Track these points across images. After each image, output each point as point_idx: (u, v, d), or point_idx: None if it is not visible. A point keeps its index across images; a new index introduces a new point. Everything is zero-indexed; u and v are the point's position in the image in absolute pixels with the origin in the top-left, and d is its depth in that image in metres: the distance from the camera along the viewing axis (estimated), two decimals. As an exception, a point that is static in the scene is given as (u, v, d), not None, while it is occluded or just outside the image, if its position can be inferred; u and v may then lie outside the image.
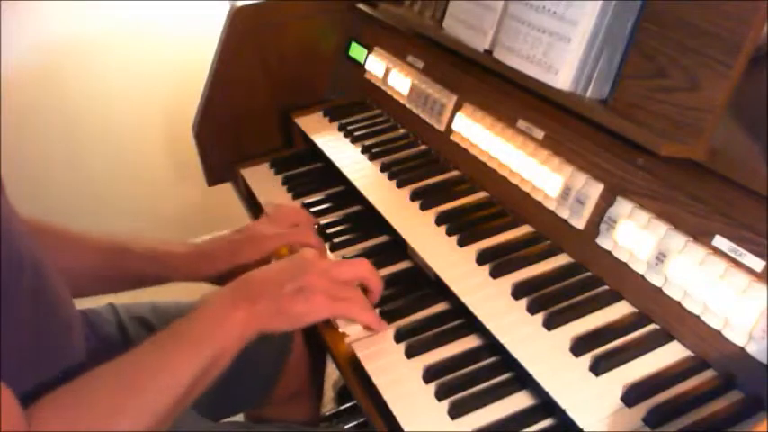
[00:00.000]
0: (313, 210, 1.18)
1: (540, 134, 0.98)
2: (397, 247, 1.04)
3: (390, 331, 0.88)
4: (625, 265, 0.83)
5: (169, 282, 0.98)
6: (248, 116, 1.41)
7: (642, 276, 0.80)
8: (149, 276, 0.96)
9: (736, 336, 0.70)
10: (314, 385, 1.29)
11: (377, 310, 0.91)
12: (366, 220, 1.13)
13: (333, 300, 0.79)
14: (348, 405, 1.66)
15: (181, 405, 0.69)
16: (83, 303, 0.85)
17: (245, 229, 1.02)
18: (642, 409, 0.70)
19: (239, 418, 1.31)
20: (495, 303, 0.85)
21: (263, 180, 1.32)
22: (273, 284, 0.77)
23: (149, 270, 0.95)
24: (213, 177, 1.43)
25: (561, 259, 0.91)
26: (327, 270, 0.80)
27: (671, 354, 0.76)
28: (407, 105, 1.27)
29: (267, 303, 0.75)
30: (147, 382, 0.67)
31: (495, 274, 0.89)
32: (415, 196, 1.08)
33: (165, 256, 0.96)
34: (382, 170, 1.16)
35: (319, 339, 0.95)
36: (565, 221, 0.92)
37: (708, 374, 0.73)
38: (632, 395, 0.71)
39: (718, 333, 0.72)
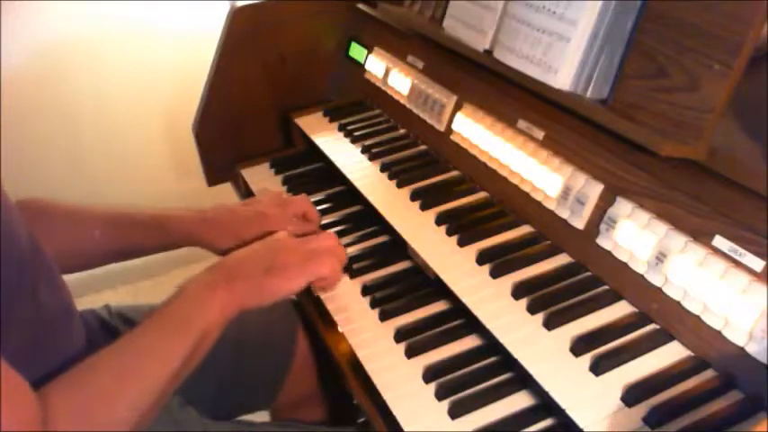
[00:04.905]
0: (313, 210, 1.18)
1: (540, 134, 0.98)
2: (397, 247, 1.04)
3: (390, 331, 0.88)
4: (625, 265, 0.83)
5: (172, 248, 0.98)
6: (248, 116, 1.41)
7: (642, 276, 0.80)
8: (154, 245, 0.96)
9: (736, 336, 0.70)
10: (323, 389, 1.29)
11: (377, 310, 0.92)
12: (366, 220, 1.13)
13: (303, 268, 0.83)
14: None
15: (172, 386, 0.72)
16: (80, 304, 0.85)
17: (253, 203, 1.02)
18: (642, 408, 0.70)
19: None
20: (495, 303, 0.85)
21: (263, 180, 1.32)
22: (249, 265, 0.81)
23: (153, 239, 0.95)
24: (213, 177, 1.43)
25: (561, 259, 0.91)
26: (297, 245, 0.85)
27: (671, 354, 0.76)
28: (407, 105, 1.27)
29: (244, 283, 0.79)
30: (141, 368, 0.70)
31: (495, 274, 0.89)
32: (415, 196, 1.08)
33: (170, 220, 0.96)
34: (382, 170, 1.16)
35: (321, 342, 0.95)
36: (565, 221, 0.92)
37: (708, 374, 0.73)
38: (632, 395, 0.71)
39: (718, 333, 0.72)
